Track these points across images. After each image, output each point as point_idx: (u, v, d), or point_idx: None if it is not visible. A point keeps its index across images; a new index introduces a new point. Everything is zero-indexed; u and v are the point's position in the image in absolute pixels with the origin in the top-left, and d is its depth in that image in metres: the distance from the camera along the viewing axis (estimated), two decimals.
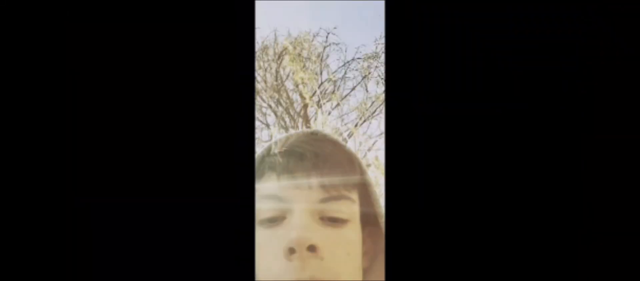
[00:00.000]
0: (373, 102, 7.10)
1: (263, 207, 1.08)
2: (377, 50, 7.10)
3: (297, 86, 7.18)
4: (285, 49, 7.19)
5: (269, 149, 1.13)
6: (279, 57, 7.22)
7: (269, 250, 1.06)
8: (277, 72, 7.23)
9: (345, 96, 7.24)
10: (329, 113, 7.13)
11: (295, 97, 7.27)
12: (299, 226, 1.04)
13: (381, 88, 7.01)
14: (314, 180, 1.07)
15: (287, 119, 7.19)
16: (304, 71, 7.12)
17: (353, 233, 1.09)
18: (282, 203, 1.07)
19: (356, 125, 7.02)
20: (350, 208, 1.09)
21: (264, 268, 1.06)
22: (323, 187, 1.07)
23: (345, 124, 7.13)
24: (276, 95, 7.19)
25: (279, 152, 1.11)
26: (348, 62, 7.23)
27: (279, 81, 7.22)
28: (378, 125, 6.99)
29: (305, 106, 7.15)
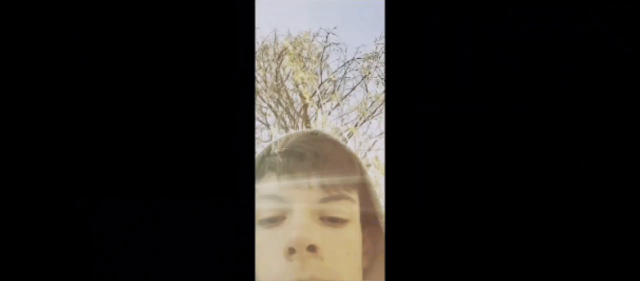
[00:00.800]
0: (373, 102, 7.10)
1: (263, 207, 1.07)
2: (377, 50, 7.09)
3: (297, 86, 7.17)
4: (285, 49, 7.19)
5: (269, 149, 1.13)
6: (279, 57, 7.21)
7: (269, 249, 1.06)
8: (277, 72, 7.23)
9: (345, 96, 7.24)
10: (329, 113, 7.13)
11: (295, 97, 7.27)
12: (299, 226, 1.04)
13: (381, 88, 7.01)
14: (314, 180, 1.07)
15: (287, 119, 7.18)
16: (304, 71, 7.12)
17: (353, 233, 1.09)
18: (282, 203, 1.07)
19: (356, 125, 7.02)
20: (350, 208, 1.09)
21: (264, 268, 1.06)
22: (323, 187, 1.07)
23: (345, 124, 7.12)
24: (276, 95, 7.18)
25: (279, 152, 1.11)
26: (348, 62, 7.23)
27: (279, 81, 7.22)
28: (378, 125, 6.99)
29: (305, 106, 7.15)
